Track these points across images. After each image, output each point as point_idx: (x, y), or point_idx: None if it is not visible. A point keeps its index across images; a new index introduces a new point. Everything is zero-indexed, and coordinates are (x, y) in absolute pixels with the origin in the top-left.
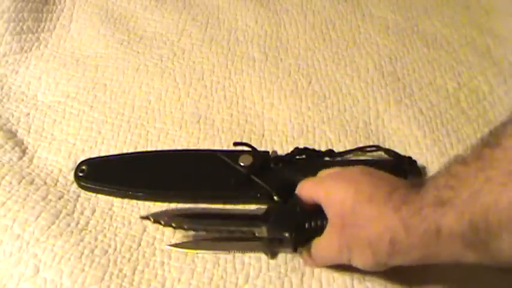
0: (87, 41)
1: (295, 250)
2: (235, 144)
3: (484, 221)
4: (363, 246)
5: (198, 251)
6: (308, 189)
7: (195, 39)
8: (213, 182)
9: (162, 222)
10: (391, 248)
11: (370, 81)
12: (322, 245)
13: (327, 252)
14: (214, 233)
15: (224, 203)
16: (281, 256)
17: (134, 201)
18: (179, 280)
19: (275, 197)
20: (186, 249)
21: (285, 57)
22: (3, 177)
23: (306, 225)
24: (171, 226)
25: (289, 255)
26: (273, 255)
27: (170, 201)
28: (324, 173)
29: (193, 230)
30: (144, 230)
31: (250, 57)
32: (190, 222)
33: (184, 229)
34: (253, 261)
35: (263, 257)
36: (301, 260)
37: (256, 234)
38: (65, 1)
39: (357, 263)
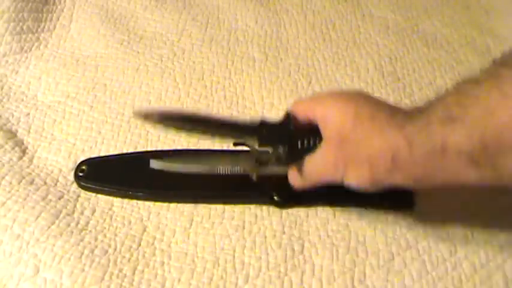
0: (87, 41)
1: (285, 166)
2: (235, 144)
3: (496, 138)
4: (361, 162)
5: (184, 165)
6: (304, 108)
7: (195, 39)
8: (213, 182)
9: (152, 122)
10: (393, 165)
11: (370, 81)
12: (316, 160)
13: (320, 168)
14: (206, 136)
15: (224, 202)
16: (281, 255)
17: (134, 201)
18: (179, 280)
19: (275, 197)
20: (171, 163)
21: (285, 57)
22: (3, 177)
23: (299, 144)
24: (161, 124)
25: (288, 255)
26: (258, 175)
27: (170, 201)
28: (319, 93)
29: (185, 132)
30: (144, 230)
31: (250, 57)
32: (182, 125)
33: (175, 130)
34: (253, 261)
35: (263, 256)
36: (301, 259)
37: (246, 143)
38: (65, 1)
39: (351, 180)
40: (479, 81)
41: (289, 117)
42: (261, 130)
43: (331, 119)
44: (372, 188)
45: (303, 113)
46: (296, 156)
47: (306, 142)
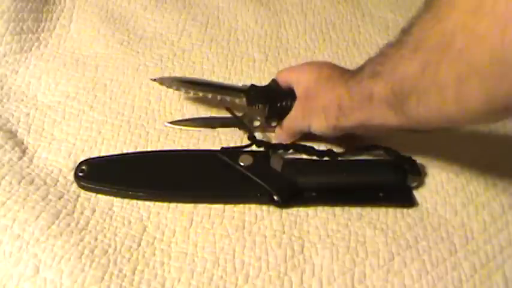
0: (87, 41)
1: (268, 122)
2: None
3: (399, 87)
4: (319, 112)
5: (191, 128)
6: (284, 75)
7: (195, 39)
8: (213, 182)
9: (166, 85)
10: (339, 112)
11: None
12: (291, 116)
13: (293, 121)
14: (207, 94)
15: (224, 202)
16: (281, 255)
17: (134, 201)
18: (179, 280)
19: (275, 197)
20: (182, 126)
21: (285, 57)
22: (3, 177)
23: (278, 104)
24: (172, 88)
25: (288, 255)
26: (249, 130)
27: (170, 201)
28: (297, 64)
29: (190, 93)
30: (144, 230)
31: (250, 57)
32: (188, 86)
33: (182, 91)
34: (253, 261)
35: (263, 256)
36: (301, 259)
37: (237, 102)
38: (65, 1)
39: (314, 127)
40: (392, 45)
41: (274, 83)
42: (250, 92)
43: (301, 81)
44: (330, 133)
45: (284, 79)
46: (276, 115)
47: (284, 103)
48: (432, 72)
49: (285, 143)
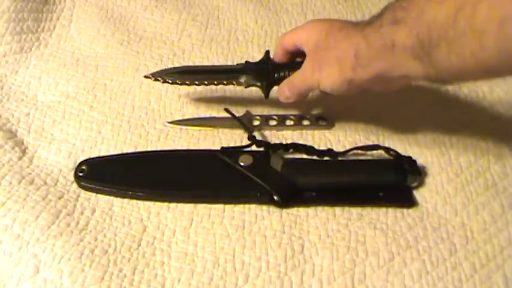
0: (87, 41)
1: (267, 96)
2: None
3: (427, 34)
4: (332, 63)
5: (191, 128)
6: (289, 37)
7: (195, 39)
8: (213, 182)
9: (160, 80)
10: (355, 61)
11: None
12: (299, 72)
13: (301, 77)
14: (204, 83)
15: (224, 202)
16: (281, 255)
17: (134, 201)
18: (179, 280)
19: (275, 197)
20: (183, 126)
21: None
22: (3, 177)
23: (275, 75)
24: (167, 82)
25: (288, 255)
26: (249, 130)
27: (170, 201)
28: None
29: (186, 84)
30: (144, 230)
31: (250, 57)
32: (183, 77)
33: (177, 83)
34: (253, 261)
35: (263, 256)
36: (301, 259)
37: (234, 83)
38: (65, 1)
39: (325, 82)
40: None
41: (266, 56)
42: (246, 69)
43: (310, 37)
44: (342, 90)
45: (290, 41)
46: (273, 85)
47: (281, 74)
48: (468, 15)
49: (288, 101)
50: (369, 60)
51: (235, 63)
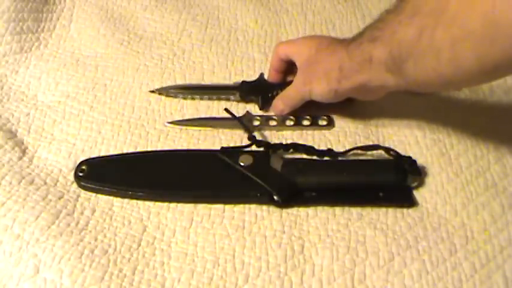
0: (87, 41)
1: (262, 108)
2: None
3: (397, 51)
4: (320, 76)
5: (191, 128)
6: (284, 48)
7: (195, 39)
8: (213, 182)
9: (164, 94)
10: (340, 74)
11: None
12: (292, 85)
13: (294, 89)
14: (203, 96)
15: (224, 202)
16: (281, 255)
17: (134, 201)
18: (179, 280)
19: (275, 197)
20: (183, 126)
21: None
22: (3, 177)
23: (269, 94)
24: (170, 96)
25: (288, 255)
26: (249, 130)
27: (170, 201)
28: (294, 38)
29: (186, 98)
30: (144, 230)
31: (250, 57)
32: (183, 93)
33: (178, 98)
34: (253, 261)
35: (263, 256)
36: (301, 259)
37: (232, 99)
38: (65, 1)
39: (316, 92)
40: (390, 11)
41: (262, 77)
42: (242, 87)
43: (302, 52)
44: (330, 98)
45: (284, 52)
46: (268, 103)
47: (275, 92)
48: (428, 36)
49: (282, 114)
50: (351, 72)
51: (234, 69)
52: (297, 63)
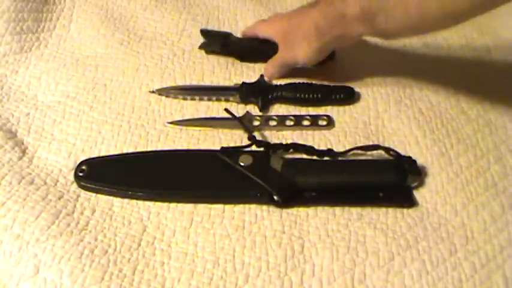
0: (87, 41)
1: (262, 109)
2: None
3: (368, 7)
4: (300, 41)
5: (191, 128)
6: (262, 31)
7: (195, 39)
8: (213, 182)
9: (164, 94)
10: (317, 32)
11: (370, 81)
12: (278, 54)
13: (279, 57)
14: (203, 97)
15: (224, 202)
16: (281, 255)
17: (134, 201)
18: (179, 280)
19: (275, 197)
20: (183, 126)
21: None
22: (3, 177)
23: (269, 96)
24: (169, 97)
25: (288, 255)
26: (249, 130)
27: (170, 201)
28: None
29: (186, 99)
30: (144, 230)
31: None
32: (184, 93)
33: (179, 98)
34: (253, 261)
35: (263, 256)
36: (301, 259)
37: (231, 100)
38: (65, 1)
39: (300, 56)
40: None
41: (262, 78)
42: (242, 89)
43: (275, 28)
44: (316, 56)
45: (262, 35)
46: (268, 104)
47: (274, 94)
48: None
49: (272, 78)
50: (328, 28)
51: (234, 70)
52: (276, 39)
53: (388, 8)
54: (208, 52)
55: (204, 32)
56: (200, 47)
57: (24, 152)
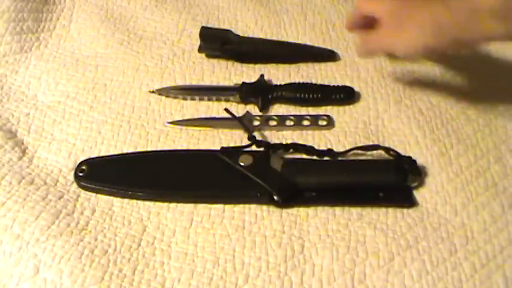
0: (87, 41)
1: (262, 109)
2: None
3: None
4: (411, 29)
5: (191, 128)
6: (366, 4)
7: (195, 39)
8: (213, 182)
9: (164, 94)
10: (435, 28)
11: (370, 82)
12: (374, 34)
13: (376, 38)
14: (203, 97)
15: (224, 202)
16: (281, 255)
17: (134, 201)
18: (179, 280)
19: (275, 197)
20: (183, 126)
21: None
22: (3, 177)
23: (269, 96)
24: (170, 97)
25: (288, 255)
26: (249, 130)
27: (170, 201)
28: None
29: (186, 99)
30: (144, 230)
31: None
32: (183, 93)
33: (179, 98)
34: (253, 261)
35: (263, 256)
36: (301, 259)
37: (231, 100)
38: (65, 1)
39: (404, 44)
40: None
41: (262, 78)
42: (242, 89)
43: (384, 5)
44: (419, 52)
45: (366, 10)
46: (268, 103)
47: (275, 94)
48: None
49: (362, 57)
50: (449, 25)
51: (234, 70)
52: (381, 17)
53: None
54: (209, 56)
55: (204, 32)
56: (199, 50)
57: (24, 152)
